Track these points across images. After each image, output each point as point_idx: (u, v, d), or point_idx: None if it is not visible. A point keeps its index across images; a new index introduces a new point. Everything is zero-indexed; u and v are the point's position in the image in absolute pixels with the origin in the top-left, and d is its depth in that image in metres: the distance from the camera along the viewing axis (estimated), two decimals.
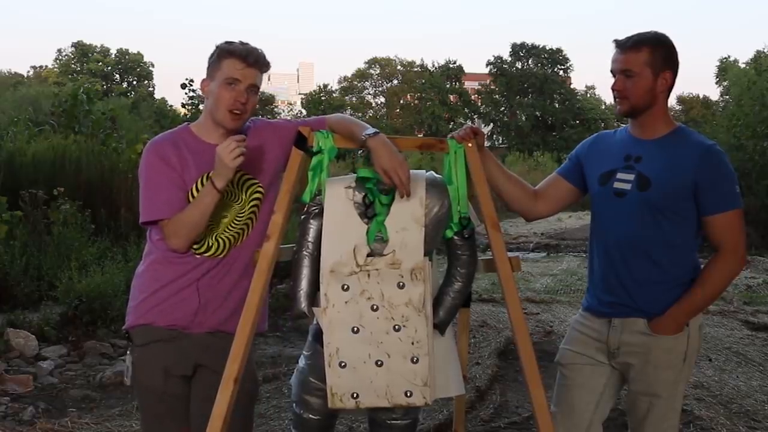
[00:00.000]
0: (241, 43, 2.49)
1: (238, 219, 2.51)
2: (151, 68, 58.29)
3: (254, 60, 2.45)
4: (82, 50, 56.29)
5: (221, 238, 2.49)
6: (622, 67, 2.48)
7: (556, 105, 51.77)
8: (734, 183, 2.46)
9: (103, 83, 51.00)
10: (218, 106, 2.45)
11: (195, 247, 2.47)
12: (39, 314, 6.06)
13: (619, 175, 2.53)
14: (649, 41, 2.47)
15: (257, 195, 2.53)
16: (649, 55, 2.45)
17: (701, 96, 52.23)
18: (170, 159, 2.45)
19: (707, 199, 2.43)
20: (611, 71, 2.53)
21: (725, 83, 41.93)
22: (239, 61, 2.43)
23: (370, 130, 2.42)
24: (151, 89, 56.13)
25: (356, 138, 2.44)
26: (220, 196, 2.37)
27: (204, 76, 2.52)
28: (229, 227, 2.50)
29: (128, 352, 2.57)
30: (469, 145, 2.47)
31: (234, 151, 2.30)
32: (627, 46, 2.48)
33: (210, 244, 2.48)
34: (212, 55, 2.49)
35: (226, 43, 2.49)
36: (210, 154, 2.39)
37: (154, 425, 2.58)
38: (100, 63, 55.89)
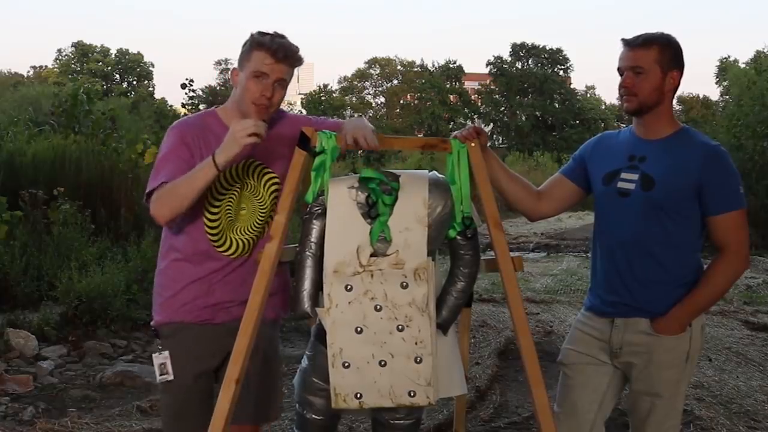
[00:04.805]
0: (274, 35, 2.44)
1: (261, 213, 2.52)
2: (151, 68, 58.23)
3: (284, 55, 2.41)
4: (82, 50, 56.18)
5: (245, 239, 2.50)
6: (632, 64, 2.48)
7: (556, 105, 51.72)
8: (738, 183, 2.47)
9: (103, 83, 50.91)
10: (244, 97, 2.44)
11: (217, 244, 2.48)
12: (39, 314, 6.05)
13: (623, 175, 2.54)
14: (659, 40, 2.48)
15: (275, 186, 2.54)
16: (658, 53, 2.46)
17: (701, 96, 52.20)
18: (188, 139, 2.45)
19: (711, 199, 2.43)
20: (618, 69, 2.53)
21: (725, 83, 41.91)
22: (269, 55, 2.40)
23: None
24: (151, 89, 56.06)
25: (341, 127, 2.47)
26: (216, 173, 2.31)
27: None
28: (255, 224, 2.51)
29: (156, 352, 2.53)
30: (472, 144, 2.48)
31: (249, 129, 2.24)
32: (637, 44, 2.48)
33: (232, 240, 2.49)
34: (245, 44, 2.46)
35: (259, 33, 2.45)
36: None
37: (176, 423, 2.56)
38: (100, 63, 55.80)
